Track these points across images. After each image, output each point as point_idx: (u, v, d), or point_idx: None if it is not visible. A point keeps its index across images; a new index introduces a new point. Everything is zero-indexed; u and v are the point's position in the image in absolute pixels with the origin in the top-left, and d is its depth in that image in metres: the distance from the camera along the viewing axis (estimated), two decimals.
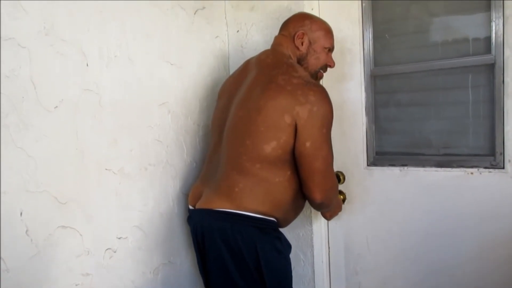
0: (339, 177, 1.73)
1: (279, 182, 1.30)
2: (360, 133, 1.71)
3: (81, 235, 1.26)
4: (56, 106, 1.19)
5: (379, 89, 1.69)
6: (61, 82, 1.21)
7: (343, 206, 1.68)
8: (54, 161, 1.18)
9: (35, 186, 1.13)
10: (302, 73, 1.33)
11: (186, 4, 1.66)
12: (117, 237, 1.38)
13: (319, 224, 1.79)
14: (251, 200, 1.29)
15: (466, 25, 1.52)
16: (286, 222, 1.41)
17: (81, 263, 1.26)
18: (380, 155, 1.71)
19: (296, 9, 1.68)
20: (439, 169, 1.56)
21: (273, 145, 1.25)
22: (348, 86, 1.70)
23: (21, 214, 1.09)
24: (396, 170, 1.64)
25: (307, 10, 1.67)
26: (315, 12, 1.71)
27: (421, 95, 1.62)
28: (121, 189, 1.40)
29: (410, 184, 1.61)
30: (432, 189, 1.57)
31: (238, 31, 1.87)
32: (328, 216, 1.62)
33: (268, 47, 1.52)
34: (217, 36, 1.86)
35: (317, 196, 1.30)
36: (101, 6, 1.32)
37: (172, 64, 1.60)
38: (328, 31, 1.47)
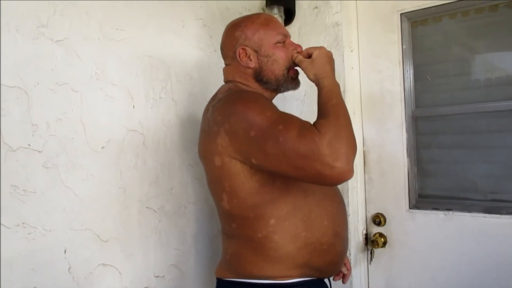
0: (380, 219, 1.69)
1: (264, 238, 1.04)
2: (401, 175, 1.66)
3: (120, 273, 1.28)
4: (103, 147, 1.25)
5: (421, 131, 1.66)
6: (109, 123, 1.27)
7: (384, 250, 1.62)
8: (98, 199, 1.22)
9: (79, 224, 1.17)
10: (219, 95, 1.13)
11: None
12: (154, 276, 1.39)
13: (359, 267, 1.73)
14: (245, 265, 1.09)
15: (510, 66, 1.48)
16: (326, 271, 1.14)
17: None
18: (423, 198, 1.65)
19: (334, 52, 1.69)
20: (487, 215, 1.48)
21: (225, 198, 1.07)
22: (388, 126, 1.68)
23: (65, 251, 1.13)
24: (440, 214, 1.58)
25: (347, 51, 1.68)
26: (355, 54, 1.72)
27: (465, 138, 1.57)
28: (161, 227, 1.42)
29: (455, 230, 1.54)
30: (479, 237, 1.49)
31: None
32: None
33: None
34: None
35: (338, 176, 0.89)
36: (149, 51, 1.39)
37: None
38: (266, 24, 1.16)
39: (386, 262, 1.69)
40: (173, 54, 1.48)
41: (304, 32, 1.78)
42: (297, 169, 0.92)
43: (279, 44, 1.16)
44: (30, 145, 1.07)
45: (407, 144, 1.65)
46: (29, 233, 1.06)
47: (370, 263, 1.74)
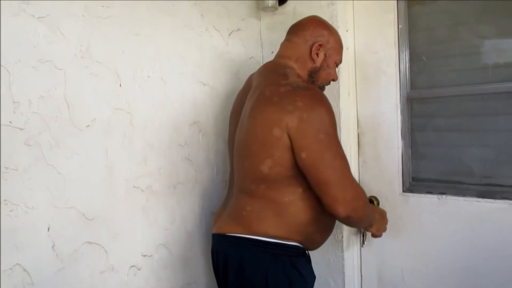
0: (373, 203, 1.66)
1: (289, 202, 1.19)
2: (395, 157, 1.63)
3: (106, 251, 1.29)
4: (88, 125, 1.24)
5: (416, 113, 1.62)
6: (94, 102, 1.26)
7: None
8: (83, 178, 1.22)
9: (64, 202, 1.17)
10: (293, 79, 1.21)
11: (220, 26, 1.69)
12: (142, 255, 1.40)
13: (352, 250, 1.72)
14: (260, 223, 1.20)
15: (510, 49, 1.42)
16: (313, 244, 1.30)
17: (105, 279, 1.29)
18: (417, 181, 1.62)
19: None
20: (480, 199, 1.45)
21: (268, 164, 1.15)
22: (383, 109, 1.64)
23: (48, 229, 1.13)
24: (433, 198, 1.55)
25: (342, 31, 1.64)
26: (350, 34, 1.68)
27: (461, 121, 1.53)
28: (149, 206, 1.42)
29: (449, 214, 1.51)
30: (473, 221, 1.46)
31: (272, 52, 1.86)
32: (374, 231, 1.45)
33: None
34: (251, 57, 1.87)
35: (339, 210, 1.13)
36: (137, 29, 1.37)
37: (204, 85, 1.62)
38: (341, 46, 1.38)
39: (378, 245, 1.67)
40: (163, 33, 1.46)
41: (299, 11, 1.73)
42: (324, 186, 1.13)
43: (335, 65, 1.37)
44: (11, 123, 1.07)
45: (402, 127, 1.61)
46: (11, 210, 1.06)
47: (362, 246, 1.72)
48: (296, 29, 1.36)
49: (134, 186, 1.38)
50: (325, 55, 1.32)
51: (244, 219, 1.22)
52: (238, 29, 1.79)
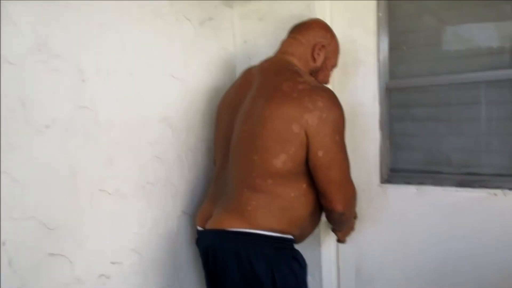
0: None
1: (295, 197, 1.22)
2: (373, 148, 1.60)
3: (71, 262, 1.18)
4: (48, 126, 1.12)
5: (394, 103, 1.59)
6: (54, 100, 1.13)
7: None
8: (43, 184, 1.11)
9: (21, 212, 1.05)
10: (308, 78, 1.24)
11: (191, 15, 1.58)
12: (111, 262, 1.30)
13: (328, 244, 1.68)
14: (266, 218, 1.20)
15: (489, 36, 1.40)
16: (302, 238, 1.34)
17: None
18: (395, 172, 1.60)
19: (308, 17, 1.58)
20: (459, 189, 1.44)
21: (282, 158, 1.17)
22: (361, 99, 1.60)
23: (4, 243, 1.02)
24: (412, 188, 1.53)
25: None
26: (327, 22, 1.60)
27: (439, 110, 1.51)
28: (116, 210, 1.32)
29: (428, 204, 1.50)
30: (452, 211, 1.45)
31: (245, 41, 1.78)
32: (341, 237, 1.53)
33: None
34: (223, 48, 1.77)
35: (339, 207, 1.22)
36: (100, 19, 1.25)
37: (174, 78, 1.52)
38: (339, 52, 1.42)
39: (356, 238, 1.65)
40: (129, 23, 1.34)
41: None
42: (332, 184, 1.20)
43: (331, 67, 1.41)
44: None
45: (380, 117, 1.58)
46: None
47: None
48: (301, 28, 1.38)
49: (100, 190, 1.27)
50: (325, 57, 1.36)
51: (249, 214, 1.21)
52: (210, 18, 1.68)
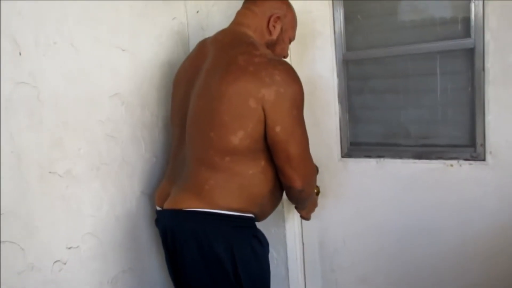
0: None
1: (253, 175, 1.19)
2: (333, 123, 1.59)
3: (22, 249, 1.12)
4: None
5: (352, 75, 1.58)
6: None
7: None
8: None
9: None
10: (264, 50, 1.19)
11: None
12: (66, 247, 1.24)
13: (292, 220, 1.68)
14: (224, 197, 1.18)
15: (444, 6, 1.40)
16: (263, 216, 1.32)
17: (24, 280, 1.12)
18: (355, 146, 1.61)
19: None
20: (417, 160, 1.47)
21: (240, 135, 1.13)
22: (319, 71, 1.58)
23: None
24: (372, 162, 1.54)
25: None
26: None
27: (397, 82, 1.52)
28: (69, 193, 1.25)
29: (387, 176, 1.52)
30: (410, 182, 1.48)
31: (198, 11, 1.70)
32: (304, 214, 1.52)
33: None
34: (174, 18, 1.69)
35: (297, 183, 1.19)
36: None
37: (123, 50, 1.43)
38: (296, 23, 1.36)
39: (319, 213, 1.64)
40: None
41: None
42: (290, 160, 1.16)
43: (288, 40, 1.36)
44: None
45: (339, 90, 1.57)
46: None
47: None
48: None
49: (50, 172, 1.19)
50: (281, 29, 1.30)
51: (207, 193, 1.18)
52: None
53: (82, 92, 1.28)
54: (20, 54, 1.11)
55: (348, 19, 1.54)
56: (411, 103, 1.50)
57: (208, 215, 1.17)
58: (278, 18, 1.28)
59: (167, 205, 1.24)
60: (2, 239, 1.06)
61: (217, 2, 1.67)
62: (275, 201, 1.32)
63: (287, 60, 1.56)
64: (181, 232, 1.20)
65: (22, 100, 1.11)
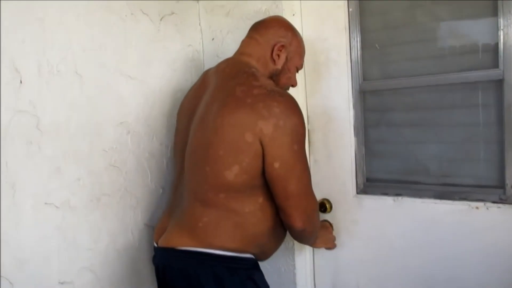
0: (325, 206, 1.53)
1: (250, 212, 1.12)
2: (348, 156, 1.49)
3: (11, 283, 1.07)
4: None
5: (369, 107, 1.49)
6: None
7: None
8: None
9: None
10: (265, 81, 1.13)
11: (150, 9, 1.47)
12: (59, 282, 1.19)
13: (303, 258, 1.57)
14: (218, 236, 1.11)
15: (470, 34, 1.30)
16: (265, 256, 1.25)
17: None
18: (371, 182, 1.50)
19: (275, 14, 1.48)
20: (438, 201, 1.34)
21: (235, 170, 1.06)
22: (334, 102, 1.50)
23: None
24: (389, 200, 1.43)
25: (288, 15, 1.47)
26: (296, 18, 1.51)
27: (416, 115, 1.41)
28: (65, 225, 1.20)
29: (405, 217, 1.40)
30: (431, 224, 1.35)
31: (213, 39, 1.67)
32: (323, 245, 1.47)
33: None
34: (189, 45, 1.66)
35: (298, 223, 1.11)
36: (41, 13, 1.13)
37: (132, 78, 1.40)
38: (304, 51, 1.30)
39: (332, 251, 1.54)
40: (75, 17, 1.22)
41: None
42: (290, 197, 1.09)
43: (295, 69, 1.29)
44: None
45: (355, 122, 1.48)
46: None
47: (314, 253, 1.59)
48: (259, 27, 1.27)
49: (45, 203, 1.15)
50: (286, 58, 1.24)
51: (200, 231, 1.12)
52: (172, 13, 1.57)
53: (86, 121, 1.25)
54: (21, 82, 1.09)
55: (365, 47, 1.46)
56: (432, 138, 1.38)
57: (200, 254, 1.10)
58: (283, 46, 1.22)
59: (161, 242, 1.18)
60: None
61: (232, 29, 1.63)
62: (277, 240, 1.24)
63: (298, 89, 1.51)
64: (171, 271, 1.14)
65: (21, 129, 1.09)
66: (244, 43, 1.28)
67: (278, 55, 1.22)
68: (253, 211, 1.12)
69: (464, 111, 1.33)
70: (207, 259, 1.10)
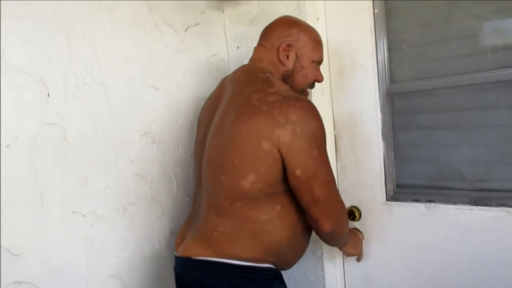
0: (354, 213, 1.48)
1: (267, 221, 1.09)
2: (377, 162, 1.44)
3: None
4: (8, 145, 1.05)
5: (397, 110, 1.43)
6: (16, 117, 1.07)
7: None
8: (4, 207, 1.03)
9: None
10: (280, 87, 1.11)
11: (174, 21, 1.49)
12: None
13: (333, 267, 1.53)
14: (234, 245, 1.09)
15: (500, 30, 1.23)
16: (286, 265, 1.22)
17: None
18: (401, 188, 1.44)
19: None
20: (473, 207, 1.26)
21: (251, 179, 1.05)
22: (360, 106, 1.45)
23: None
24: (421, 206, 1.36)
25: (312, 20, 1.45)
26: (321, 23, 1.49)
27: (448, 117, 1.34)
28: (92, 233, 1.23)
29: (439, 224, 1.33)
30: (466, 232, 1.27)
31: (238, 47, 1.67)
32: (351, 250, 1.41)
33: None
34: (214, 54, 1.67)
35: (326, 226, 1.09)
36: (67, 29, 1.17)
37: (157, 89, 1.43)
38: (317, 42, 1.24)
39: (363, 260, 1.49)
40: (101, 32, 1.26)
41: (264, 1, 1.54)
42: (316, 202, 1.06)
43: (314, 63, 1.24)
44: None
45: (383, 126, 1.43)
46: None
47: (344, 262, 1.54)
48: (265, 32, 1.27)
49: (73, 212, 1.19)
50: (296, 56, 1.20)
51: (215, 240, 1.10)
52: (197, 24, 1.59)
53: (112, 132, 1.29)
54: (48, 95, 1.14)
55: (392, 48, 1.41)
56: (464, 141, 1.31)
57: (216, 264, 1.09)
58: (288, 46, 1.19)
59: (179, 252, 1.18)
60: (19, 279, 1.06)
61: (256, 37, 1.61)
62: (298, 249, 1.21)
63: (324, 93, 1.48)
64: (189, 281, 1.13)
65: (48, 140, 1.13)
66: (255, 49, 1.27)
67: (287, 56, 1.19)
68: (270, 219, 1.09)
69: (500, 111, 1.25)
70: (222, 268, 1.08)
